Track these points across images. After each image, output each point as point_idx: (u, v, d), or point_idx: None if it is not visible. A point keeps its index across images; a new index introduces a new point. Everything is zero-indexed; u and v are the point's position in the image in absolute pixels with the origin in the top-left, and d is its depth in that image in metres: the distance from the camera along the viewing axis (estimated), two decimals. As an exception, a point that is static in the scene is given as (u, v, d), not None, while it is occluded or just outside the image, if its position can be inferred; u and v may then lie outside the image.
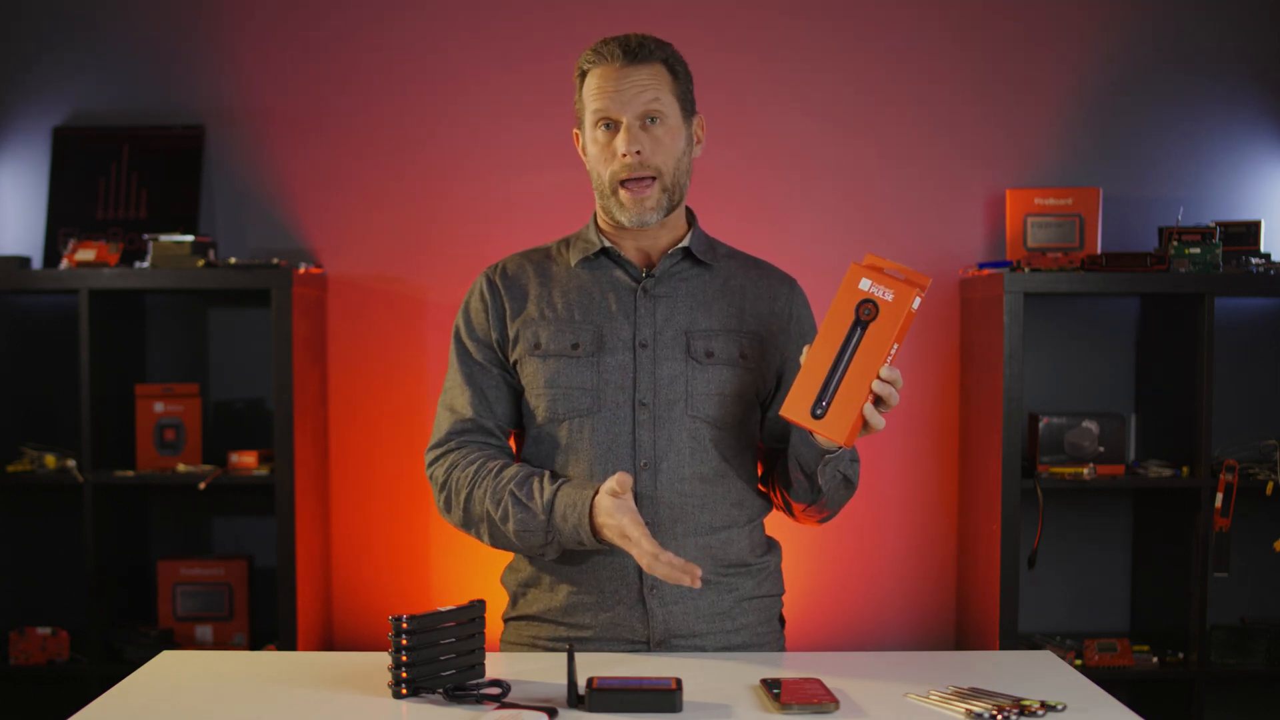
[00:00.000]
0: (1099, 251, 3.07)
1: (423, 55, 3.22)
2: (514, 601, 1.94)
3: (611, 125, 1.83)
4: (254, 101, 3.23)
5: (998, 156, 3.22)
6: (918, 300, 1.64)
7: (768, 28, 3.21)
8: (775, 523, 2.06)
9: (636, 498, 1.81)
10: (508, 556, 1.97)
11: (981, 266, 3.03)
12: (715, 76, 3.18)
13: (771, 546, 1.96)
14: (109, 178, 3.20)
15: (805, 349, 1.69)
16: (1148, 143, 3.23)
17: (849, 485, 1.86)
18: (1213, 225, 2.98)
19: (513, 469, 1.82)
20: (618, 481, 1.70)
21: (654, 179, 1.82)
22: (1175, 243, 2.93)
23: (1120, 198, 3.20)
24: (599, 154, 1.84)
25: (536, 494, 1.77)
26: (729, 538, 1.86)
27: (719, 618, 1.85)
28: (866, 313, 1.66)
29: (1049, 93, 3.21)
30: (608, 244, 1.89)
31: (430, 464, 1.89)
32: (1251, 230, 3.05)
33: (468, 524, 1.85)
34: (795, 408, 1.68)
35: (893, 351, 1.64)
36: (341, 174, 3.23)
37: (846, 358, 1.66)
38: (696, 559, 1.83)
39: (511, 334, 1.89)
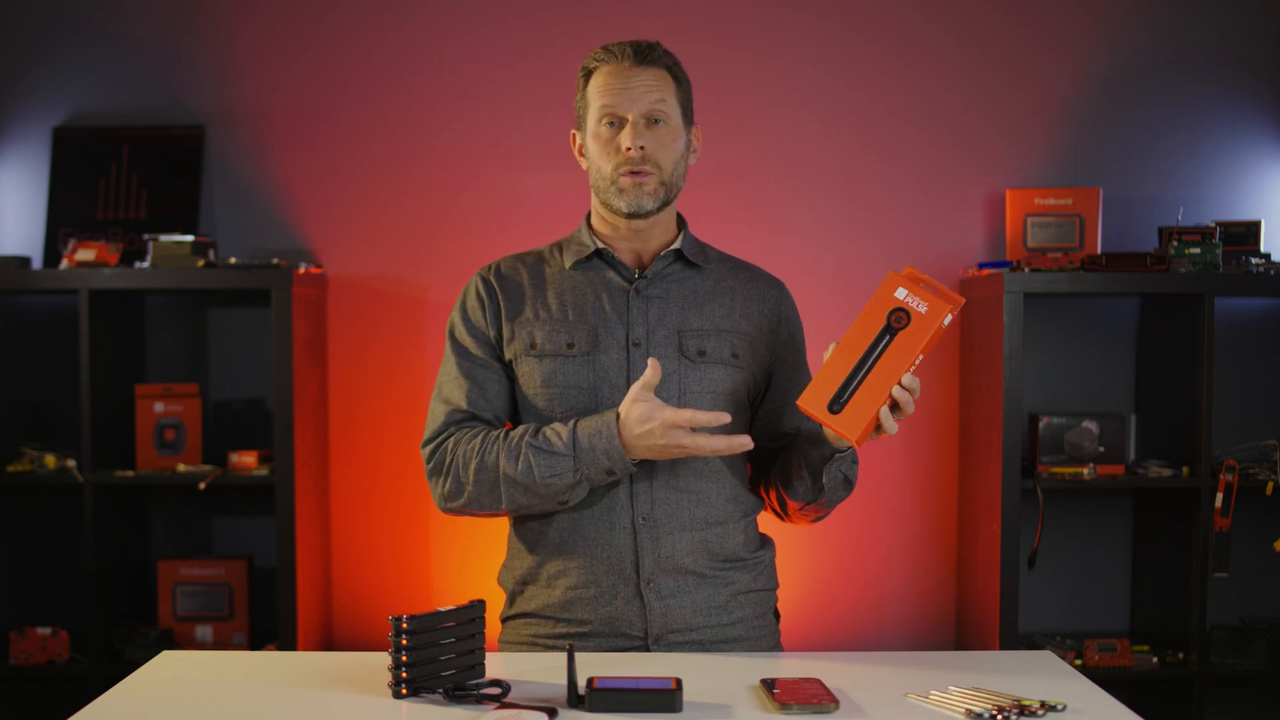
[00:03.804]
0: (1099, 251, 3.07)
1: (424, 55, 3.22)
2: (511, 600, 1.94)
3: (616, 122, 1.86)
4: (254, 101, 3.23)
5: (998, 157, 3.22)
6: (949, 317, 1.66)
7: (767, 28, 3.21)
8: (774, 522, 2.06)
9: (631, 495, 1.83)
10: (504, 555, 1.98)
11: (981, 266, 3.03)
12: (715, 77, 3.18)
13: (765, 543, 1.98)
14: (109, 178, 3.20)
15: (831, 346, 1.71)
16: (1148, 143, 3.23)
17: (848, 485, 1.88)
18: (1213, 225, 2.98)
19: (519, 429, 1.83)
20: (651, 371, 1.73)
21: (653, 173, 1.85)
22: (1175, 243, 2.93)
23: (1120, 198, 3.20)
24: (601, 149, 1.87)
25: (554, 438, 1.79)
26: (724, 533, 1.88)
27: (716, 611, 1.87)
28: (898, 320, 1.67)
29: (1049, 93, 3.21)
30: (601, 245, 1.91)
31: (428, 458, 1.88)
32: (1251, 230, 3.05)
33: (479, 496, 1.83)
34: (813, 400, 1.69)
35: (917, 361, 1.66)
36: (342, 174, 3.23)
37: (872, 360, 1.68)
38: (692, 553, 1.85)
39: (507, 334, 1.91)
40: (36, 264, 3.19)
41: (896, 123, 3.22)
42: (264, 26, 3.22)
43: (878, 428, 1.69)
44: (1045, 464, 2.99)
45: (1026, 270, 2.93)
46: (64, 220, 3.19)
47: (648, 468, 1.83)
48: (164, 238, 2.99)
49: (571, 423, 1.79)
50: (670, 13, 3.19)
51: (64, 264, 2.99)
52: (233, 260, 3.00)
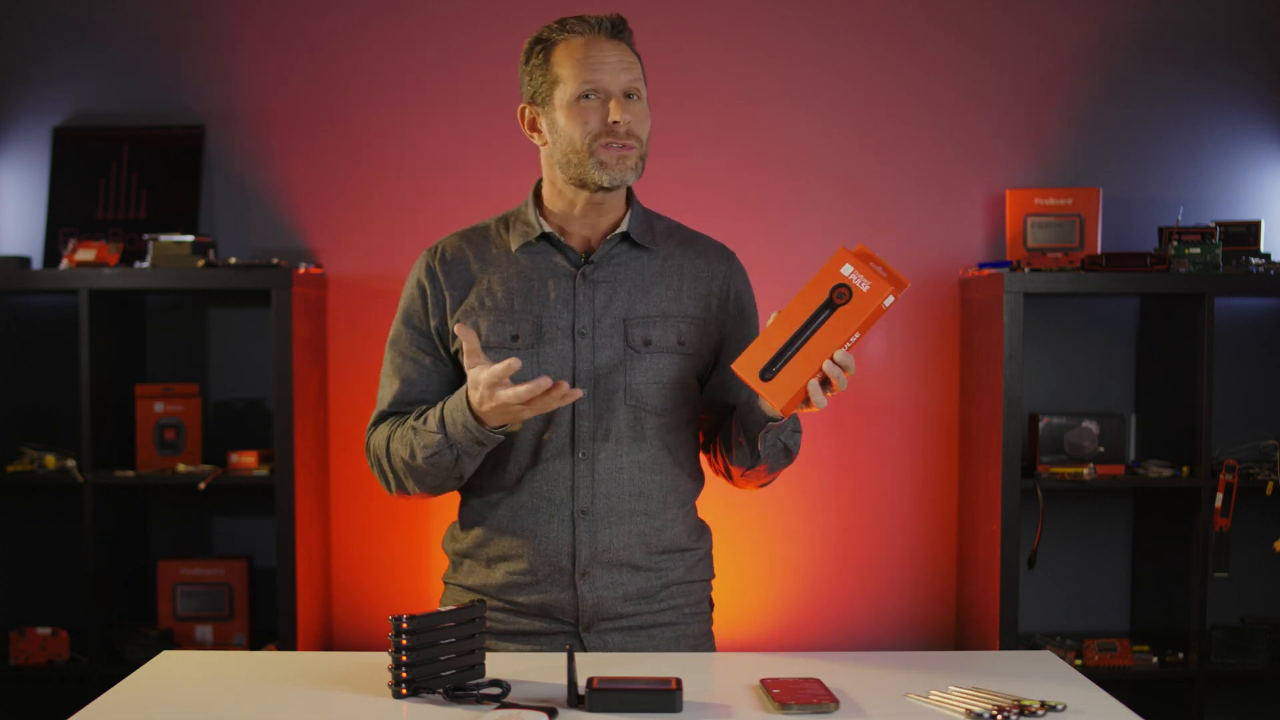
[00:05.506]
0: (1099, 251, 3.07)
1: (423, 54, 3.22)
2: (454, 567, 1.96)
3: (594, 95, 1.82)
4: (254, 101, 3.23)
5: (997, 156, 3.22)
6: (891, 299, 1.66)
7: (767, 28, 3.21)
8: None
9: (572, 489, 1.84)
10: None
11: (981, 266, 3.03)
12: (715, 77, 3.19)
13: (704, 532, 1.98)
14: (109, 178, 3.20)
15: (774, 314, 1.72)
16: (1148, 143, 3.23)
17: (788, 455, 1.88)
18: (1213, 225, 2.98)
19: (414, 412, 1.86)
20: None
21: (635, 147, 1.84)
22: (1175, 243, 2.93)
23: (1120, 198, 3.20)
24: (577, 122, 1.82)
25: (430, 417, 1.81)
26: (663, 524, 1.89)
27: (645, 600, 1.88)
28: (840, 296, 1.68)
29: (1049, 93, 3.21)
30: (548, 229, 1.89)
31: (366, 454, 1.93)
32: (1251, 230, 3.05)
33: (402, 483, 1.87)
34: (746, 366, 1.71)
35: (853, 339, 1.67)
36: (342, 174, 3.23)
37: (808, 333, 1.69)
38: (629, 546, 1.86)
39: (452, 325, 1.89)
40: (36, 264, 3.19)
41: (896, 123, 3.22)
42: (264, 26, 3.22)
43: (806, 399, 1.70)
44: (1045, 464, 2.99)
45: (1026, 270, 2.93)
46: (64, 220, 3.19)
47: (590, 459, 1.84)
48: (164, 238, 2.99)
49: (441, 402, 1.81)
50: (670, 13, 3.19)
51: (64, 264, 2.99)
52: (233, 260, 3.00)
